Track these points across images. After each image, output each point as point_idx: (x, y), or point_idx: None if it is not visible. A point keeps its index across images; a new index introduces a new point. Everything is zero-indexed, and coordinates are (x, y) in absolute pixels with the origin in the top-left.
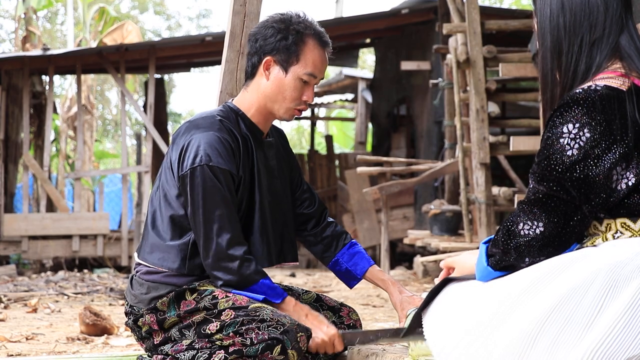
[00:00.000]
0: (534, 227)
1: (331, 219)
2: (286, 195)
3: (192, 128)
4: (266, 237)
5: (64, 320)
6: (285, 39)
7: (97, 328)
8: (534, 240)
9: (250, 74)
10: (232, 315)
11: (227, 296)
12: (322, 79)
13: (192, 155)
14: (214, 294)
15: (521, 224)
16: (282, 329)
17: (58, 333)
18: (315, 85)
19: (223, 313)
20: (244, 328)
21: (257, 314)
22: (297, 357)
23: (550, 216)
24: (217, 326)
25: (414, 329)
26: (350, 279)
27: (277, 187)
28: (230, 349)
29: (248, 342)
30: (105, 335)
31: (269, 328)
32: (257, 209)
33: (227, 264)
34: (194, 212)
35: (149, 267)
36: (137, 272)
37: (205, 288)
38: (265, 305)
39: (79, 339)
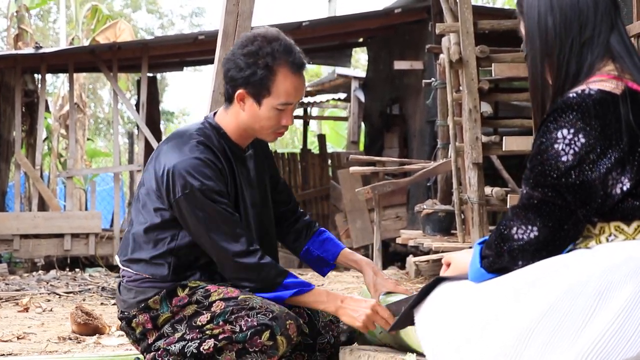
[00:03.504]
0: (528, 231)
1: (301, 210)
2: (267, 205)
3: (175, 149)
4: None
5: (55, 319)
6: (254, 74)
7: (89, 327)
8: (528, 245)
9: (228, 99)
10: (222, 306)
11: (218, 289)
12: (301, 99)
13: (182, 182)
14: (206, 287)
15: (515, 228)
16: (271, 316)
17: (50, 332)
18: (295, 104)
19: (213, 305)
20: (233, 317)
21: (247, 303)
22: (286, 343)
23: (544, 221)
24: (207, 317)
25: (405, 324)
26: (323, 265)
27: (256, 198)
28: (220, 337)
29: (237, 329)
30: (97, 334)
31: (258, 315)
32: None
33: (246, 274)
34: (199, 236)
35: (136, 273)
36: (123, 277)
37: (197, 284)
38: (255, 295)
39: (70, 339)
